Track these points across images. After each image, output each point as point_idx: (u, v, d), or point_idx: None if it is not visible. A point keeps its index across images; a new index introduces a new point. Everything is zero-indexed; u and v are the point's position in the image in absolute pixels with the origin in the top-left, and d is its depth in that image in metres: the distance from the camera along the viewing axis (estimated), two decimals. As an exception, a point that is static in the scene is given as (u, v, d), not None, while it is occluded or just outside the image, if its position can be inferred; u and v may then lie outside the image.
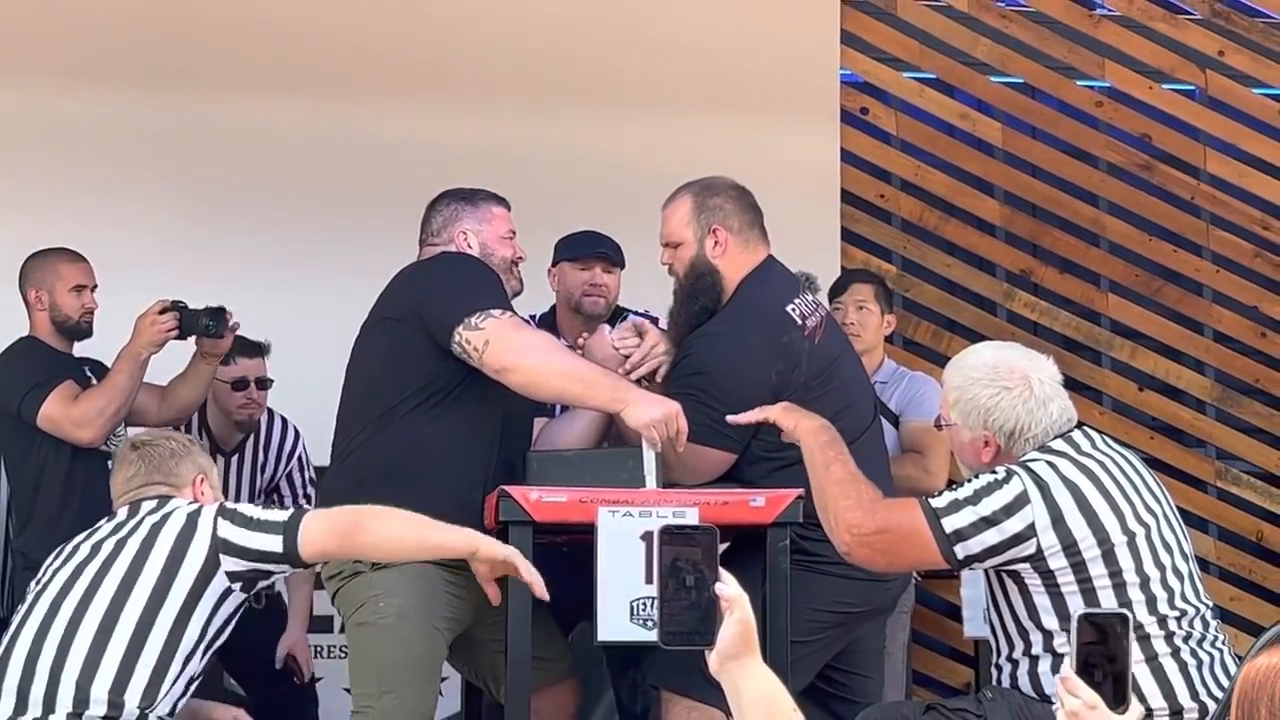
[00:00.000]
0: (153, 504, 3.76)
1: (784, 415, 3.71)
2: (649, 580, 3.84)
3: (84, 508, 4.92)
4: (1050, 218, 6.86)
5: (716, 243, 4.24)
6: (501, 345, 3.95)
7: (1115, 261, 6.83)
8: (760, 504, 3.94)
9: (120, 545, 3.68)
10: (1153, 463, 6.67)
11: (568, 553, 4.35)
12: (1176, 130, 6.90)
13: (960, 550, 3.37)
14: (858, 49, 6.76)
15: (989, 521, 3.35)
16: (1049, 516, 3.34)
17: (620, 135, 6.48)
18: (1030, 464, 3.40)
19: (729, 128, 6.50)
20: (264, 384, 5.50)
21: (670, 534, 2.28)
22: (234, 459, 5.54)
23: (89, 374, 5.14)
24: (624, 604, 3.81)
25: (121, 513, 3.80)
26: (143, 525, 3.71)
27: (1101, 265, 6.84)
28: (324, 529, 3.68)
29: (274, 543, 3.66)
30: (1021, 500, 3.34)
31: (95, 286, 5.21)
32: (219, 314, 5.03)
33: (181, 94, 6.19)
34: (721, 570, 2.28)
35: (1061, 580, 3.35)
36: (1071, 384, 6.71)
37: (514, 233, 4.34)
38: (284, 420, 5.63)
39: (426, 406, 4.06)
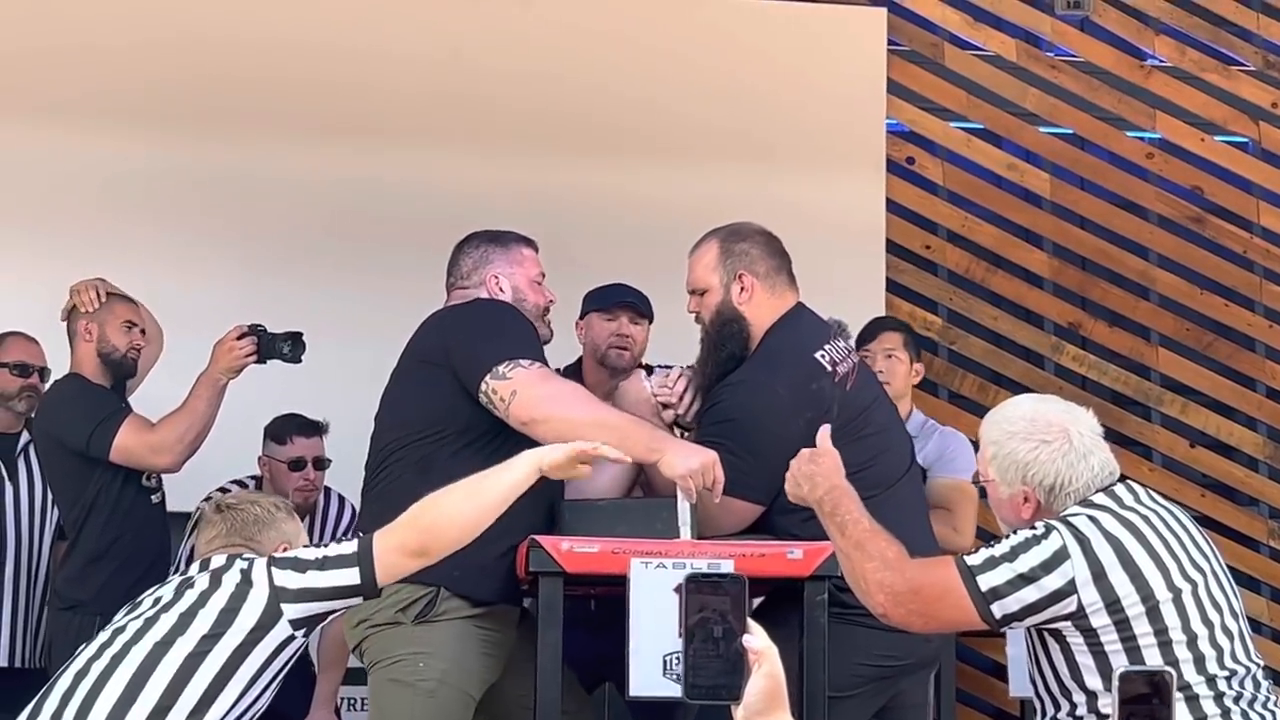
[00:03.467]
0: (221, 560, 3.64)
1: (790, 488, 3.60)
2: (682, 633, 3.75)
3: (127, 552, 4.91)
4: (1099, 270, 6.79)
5: (743, 289, 4.17)
6: (529, 396, 3.86)
7: (1166, 315, 6.77)
8: (798, 556, 3.86)
9: (178, 595, 3.58)
10: (1204, 521, 6.57)
11: (594, 610, 4.28)
12: (1229, 183, 6.84)
13: (998, 609, 3.26)
14: (904, 98, 6.73)
15: (1027, 579, 3.24)
16: (1090, 572, 3.23)
17: (663, 184, 6.45)
18: (1070, 518, 3.29)
19: (773, 177, 6.48)
20: (321, 464, 5.43)
21: (697, 582, 2.19)
22: None
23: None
24: (656, 658, 3.72)
25: (193, 568, 3.68)
26: (202, 578, 3.61)
27: (1152, 319, 6.77)
28: (394, 547, 3.47)
29: (349, 576, 3.47)
30: (1061, 556, 3.24)
31: (144, 330, 5.18)
32: (297, 339, 4.94)
33: (226, 140, 6.20)
34: (750, 621, 2.19)
35: (1104, 638, 3.24)
36: (1120, 440, 6.75)
37: (544, 275, 4.27)
38: (340, 499, 5.53)
39: (470, 451, 3.95)
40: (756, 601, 4.26)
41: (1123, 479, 3.40)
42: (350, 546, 3.51)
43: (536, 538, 3.82)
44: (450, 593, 3.91)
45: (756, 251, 4.24)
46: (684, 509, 3.86)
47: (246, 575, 3.52)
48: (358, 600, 3.53)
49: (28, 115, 6.12)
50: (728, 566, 3.79)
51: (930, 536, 4.25)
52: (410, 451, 4.00)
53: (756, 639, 2.16)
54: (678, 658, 3.73)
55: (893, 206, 6.68)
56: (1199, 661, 3.25)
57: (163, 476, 5.09)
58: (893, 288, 6.64)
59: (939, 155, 6.78)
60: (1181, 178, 6.81)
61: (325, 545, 3.57)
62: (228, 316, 5.17)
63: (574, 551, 3.80)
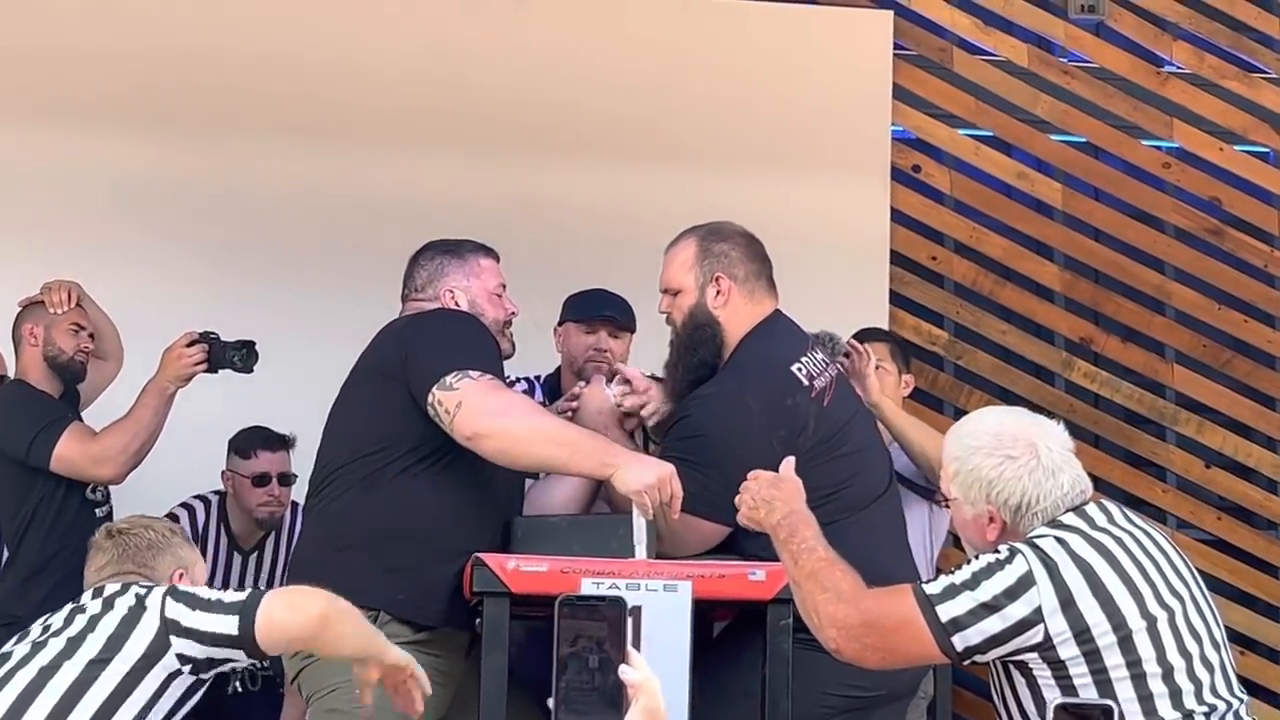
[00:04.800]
0: (116, 587, 3.48)
1: (745, 511, 3.39)
2: (636, 660, 3.57)
3: (69, 566, 4.70)
4: (1113, 284, 6.60)
5: (719, 292, 3.97)
6: (473, 409, 3.66)
7: (1182, 331, 6.57)
8: (760, 578, 3.66)
9: (68, 621, 3.42)
10: (1220, 545, 6.47)
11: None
12: (1248, 194, 6.63)
13: (959, 641, 3.03)
14: (910, 104, 6.53)
15: (990, 608, 3.01)
16: (1057, 599, 3.00)
17: (659, 191, 6.25)
18: (1037, 541, 3.07)
19: (773, 184, 6.29)
20: (287, 480, 5.26)
21: (572, 606, 1.99)
22: (252, 558, 5.31)
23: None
24: (606, 685, 3.51)
25: (85, 596, 3.52)
26: (94, 604, 3.44)
27: (1167, 335, 6.58)
28: (287, 618, 3.31)
29: (228, 624, 3.30)
30: (1026, 582, 3.01)
31: (93, 335, 5.01)
32: (250, 349, 4.79)
33: (201, 144, 6.00)
34: (631, 651, 1.98)
35: (1073, 670, 3.01)
36: (1134, 460, 6.56)
37: (504, 286, 4.09)
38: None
39: (420, 468, 3.79)
40: (720, 626, 4.07)
41: (1095, 498, 3.17)
42: (238, 596, 3.35)
43: (481, 556, 3.63)
44: (391, 617, 3.71)
45: (736, 254, 4.06)
46: (639, 526, 3.67)
47: (141, 601, 3.36)
48: (242, 655, 3.35)
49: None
50: (685, 588, 3.62)
51: (908, 559, 4.05)
52: (356, 469, 3.83)
53: (635, 670, 1.95)
54: (633, 684, 3.53)
55: (897, 216, 6.48)
56: (1175, 696, 3.03)
57: (111, 489, 4.91)
58: (897, 300, 6.44)
59: (946, 163, 6.59)
60: (1199, 188, 6.61)
61: (226, 590, 3.41)
62: (197, 325, 5.00)
63: (520, 571, 3.61)
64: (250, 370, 4.79)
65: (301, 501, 5.24)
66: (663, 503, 3.65)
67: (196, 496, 5.30)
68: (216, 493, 5.31)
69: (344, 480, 3.82)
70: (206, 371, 4.79)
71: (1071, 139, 6.64)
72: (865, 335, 5.18)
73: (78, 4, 6.04)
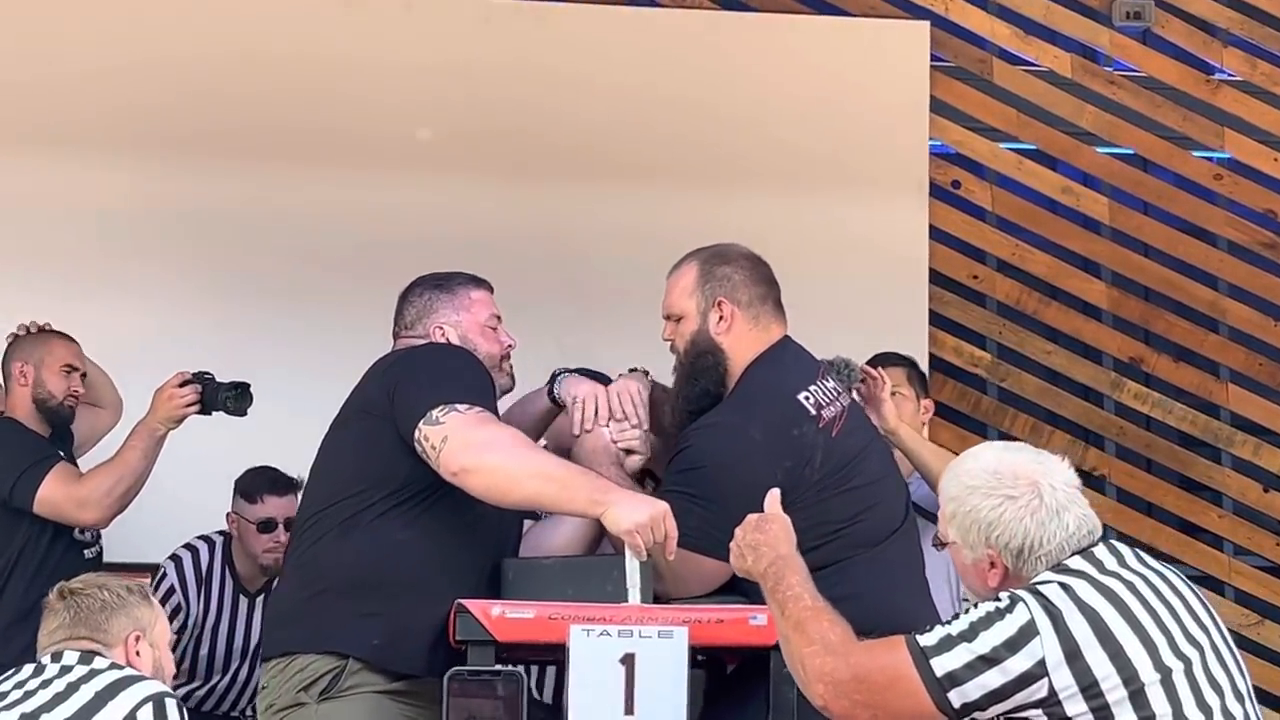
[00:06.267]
0: (75, 657, 3.38)
1: (734, 560, 3.20)
2: (629, 711, 3.38)
3: None
4: (1164, 301, 6.49)
5: (721, 318, 3.79)
6: (459, 443, 3.46)
7: (1236, 349, 6.46)
8: (762, 622, 3.44)
9: (27, 695, 3.31)
10: None
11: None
12: (1304, 206, 6.52)
13: (956, 697, 2.82)
14: (949, 117, 6.42)
15: (989, 660, 2.80)
16: (1062, 651, 2.79)
17: (689, 210, 6.09)
18: (1040, 587, 2.85)
19: (808, 202, 6.18)
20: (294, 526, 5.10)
21: (462, 681, 1.80)
22: (259, 600, 5.14)
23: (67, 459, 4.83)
24: (598, 738, 3.34)
25: (45, 658, 3.41)
26: (56, 682, 3.33)
27: (1221, 353, 6.46)
28: None
29: None
30: (1028, 632, 2.80)
31: (84, 374, 4.89)
32: (243, 390, 4.66)
33: (195, 174, 5.89)
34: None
35: (1082, 729, 2.80)
36: (1188, 484, 6.36)
37: (498, 318, 3.90)
38: None
39: (400, 510, 3.60)
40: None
41: (1104, 539, 2.95)
42: None
43: (464, 602, 3.42)
44: (362, 664, 3.51)
45: (740, 277, 3.87)
46: (633, 568, 3.47)
47: (114, 688, 3.29)
48: None
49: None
50: (680, 635, 3.42)
51: (925, 599, 3.84)
52: (334, 512, 3.63)
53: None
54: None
55: (937, 233, 6.36)
56: (1194, 754, 2.80)
57: (107, 529, 4.78)
58: (937, 320, 6.31)
59: (987, 178, 6.48)
60: (1253, 200, 6.48)
61: None
62: (199, 360, 4.86)
63: (505, 617, 3.40)
64: (243, 413, 4.66)
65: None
66: (655, 542, 3.45)
67: (201, 538, 5.15)
68: (221, 533, 5.16)
69: (322, 524, 3.64)
70: (199, 413, 4.67)
71: (1118, 151, 6.53)
72: (881, 360, 4.97)
73: (67, 28, 5.91)
